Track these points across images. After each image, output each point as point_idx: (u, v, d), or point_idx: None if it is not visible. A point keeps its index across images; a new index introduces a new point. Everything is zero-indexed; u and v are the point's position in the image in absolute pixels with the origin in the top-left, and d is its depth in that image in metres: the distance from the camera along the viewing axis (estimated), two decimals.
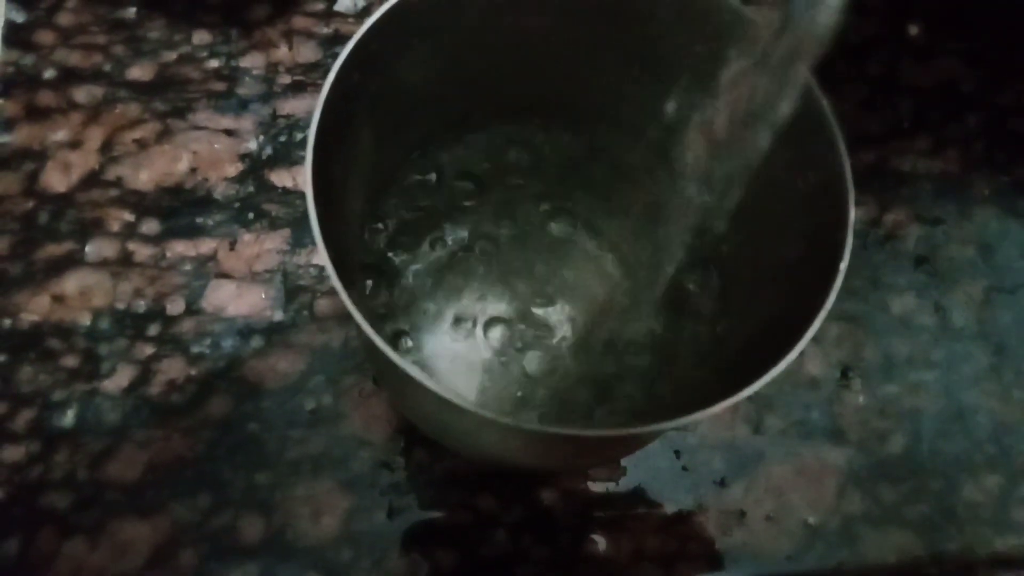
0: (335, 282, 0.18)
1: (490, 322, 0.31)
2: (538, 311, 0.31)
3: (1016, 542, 0.34)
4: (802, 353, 0.21)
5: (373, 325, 0.18)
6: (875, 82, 0.43)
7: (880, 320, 0.37)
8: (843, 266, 0.20)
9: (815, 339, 0.21)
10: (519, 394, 0.30)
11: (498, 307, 0.30)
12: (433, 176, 0.30)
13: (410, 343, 0.30)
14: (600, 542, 0.33)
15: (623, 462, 0.34)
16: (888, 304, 0.38)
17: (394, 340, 0.28)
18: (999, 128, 0.42)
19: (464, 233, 0.31)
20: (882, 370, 0.36)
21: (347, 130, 0.23)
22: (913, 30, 0.44)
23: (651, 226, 0.27)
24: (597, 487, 0.33)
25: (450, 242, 0.30)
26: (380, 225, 0.29)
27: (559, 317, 0.31)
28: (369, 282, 0.27)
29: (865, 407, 0.36)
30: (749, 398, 0.35)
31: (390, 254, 0.30)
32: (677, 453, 0.34)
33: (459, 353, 0.29)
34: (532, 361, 0.31)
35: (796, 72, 0.19)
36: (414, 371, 0.18)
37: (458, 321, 0.31)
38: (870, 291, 0.38)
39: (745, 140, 0.20)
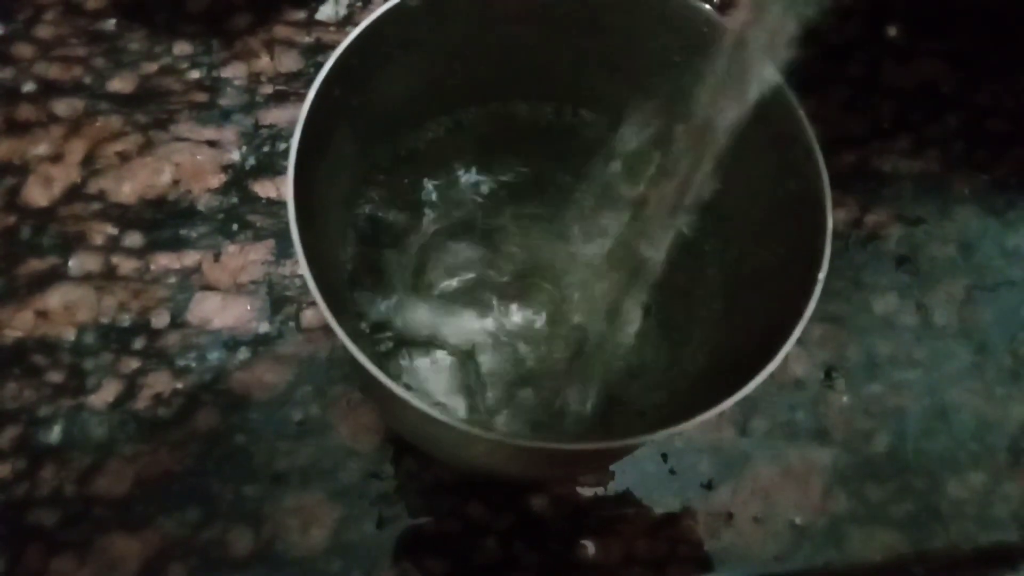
0: (319, 301, 0.19)
1: (480, 322, 0.30)
2: (527, 311, 0.31)
3: (1000, 538, 0.35)
4: (786, 355, 0.21)
5: (359, 338, 0.18)
6: (856, 83, 0.43)
7: (863, 320, 0.38)
8: (821, 275, 0.20)
9: (799, 340, 0.22)
10: (510, 398, 0.30)
11: (488, 307, 0.30)
12: (414, 177, 0.29)
13: (393, 347, 0.30)
14: (590, 547, 0.33)
15: (612, 467, 0.34)
16: (871, 304, 0.38)
17: (379, 349, 0.28)
18: (978, 128, 0.43)
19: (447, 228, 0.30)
20: (866, 370, 0.37)
21: (329, 143, 0.23)
22: (893, 32, 0.44)
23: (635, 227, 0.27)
24: (586, 492, 0.33)
25: (432, 241, 0.30)
26: (359, 228, 0.28)
27: (549, 316, 0.31)
28: (355, 294, 0.27)
29: (849, 407, 0.36)
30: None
31: (372, 259, 0.29)
32: (664, 457, 0.34)
33: (445, 359, 0.29)
34: (521, 364, 0.31)
35: (762, 69, 0.19)
36: (398, 389, 0.18)
37: (445, 325, 0.31)
38: (853, 291, 0.38)
39: (715, 131, 0.21)
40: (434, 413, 0.18)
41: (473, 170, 0.29)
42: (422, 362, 0.29)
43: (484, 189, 0.29)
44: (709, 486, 0.34)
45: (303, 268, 0.19)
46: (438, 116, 0.28)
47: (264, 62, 0.39)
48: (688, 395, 0.24)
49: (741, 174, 0.21)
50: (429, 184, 0.30)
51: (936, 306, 0.39)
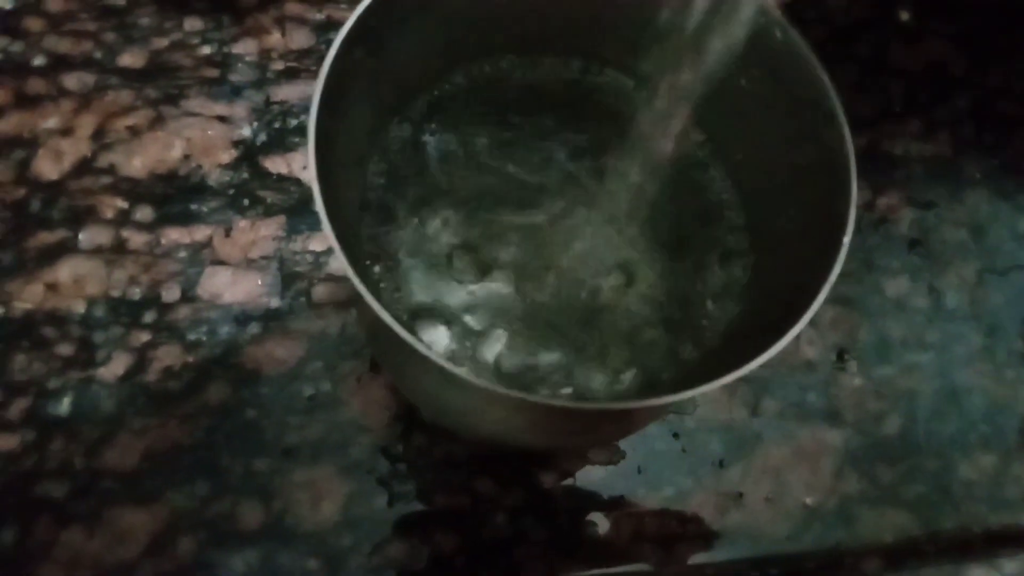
0: (339, 253, 0.18)
1: (495, 286, 0.30)
2: (544, 276, 0.31)
3: (1010, 519, 0.35)
4: (798, 336, 0.21)
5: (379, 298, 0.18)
6: (865, 65, 0.43)
7: (875, 303, 0.38)
8: (846, 239, 0.20)
9: (811, 321, 0.21)
10: (525, 363, 0.29)
11: (504, 271, 0.29)
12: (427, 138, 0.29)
13: (409, 315, 0.29)
14: (600, 524, 0.33)
15: (622, 445, 0.34)
16: (882, 287, 0.38)
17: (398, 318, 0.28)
18: (988, 110, 0.43)
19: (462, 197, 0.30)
20: (877, 352, 0.37)
21: (346, 107, 0.23)
22: (903, 14, 0.44)
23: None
24: (596, 470, 0.33)
25: (449, 212, 0.30)
26: (378, 194, 0.28)
27: (567, 279, 0.31)
28: (371, 264, 0.27)
29: (861, 389, 0.36)
30: (747, 380, 0.35)
31: (385, 225, 0.29)
32: (676, 435, 0.34)
33: (464, 323, 0.28)
34: (537, 332, 0.30)
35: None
36: (420, 346, 0.18)
37: (461, 287, 0.30)
38: (864, 274, 0.38)
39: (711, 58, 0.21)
40: (457, 371, 0.18)
41: (489, 130, 0.29)
42: (433, 335, 0.29)
43: (500, 150, 0.29)
44: (720, 465, 0.34)
45: (326, 229, 0.19)
46: (454, 73, 0.28)
47: (275, 38, 0.39)
48: (716, 359, 0.24)
49: (763, 140, 0.21)
50: (442, 143, 0.29)
51: (947, 289, 0.39)
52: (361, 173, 0.26)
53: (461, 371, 0.18)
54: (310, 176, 0.20)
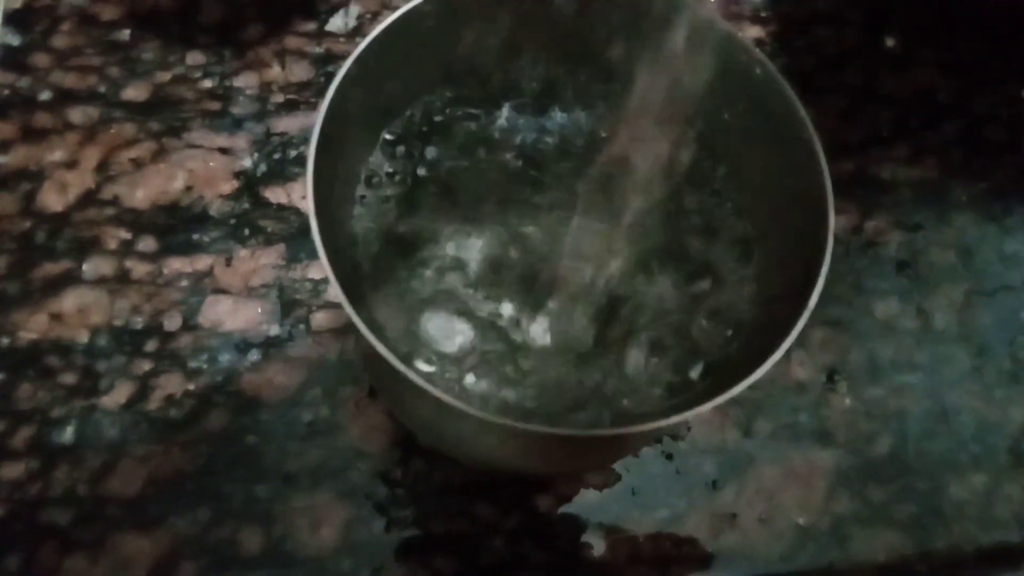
0: (334, 284, 0.19)
1: (491, 313, 0.30)
2: (543, 303, 0.31)
3: (1002, 538, 0.35)
4: (789, 357, 0.22)
5: (376, 330, 0.18)
6: (854, 92, 0.44)
7: (864, 324, 0.38)
8: (824, 269, 0.21)
9: (801, 343, 0.22)
10: (519, 392, 0.30)
11: (501, 297, 0.30)
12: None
13: (407, 346, 0.30)
14: (596, 547, 0.33)
15: (617, 468, 0.34)
16: (872, 308, 0.39)
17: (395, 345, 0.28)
18: (975, 136, 0.44)
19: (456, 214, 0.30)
20: (867, 373, 0.37)
21: (344, 142, 0.24)
22: (890, 41, 0.45)
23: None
24: (592, 493, 0.34)
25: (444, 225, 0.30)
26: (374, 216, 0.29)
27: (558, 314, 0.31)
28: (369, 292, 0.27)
29: (851, 409, 0.37)
30: (739, 402, 0.36)
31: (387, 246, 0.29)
32: (669, 457, 0.35)
33: (463, 347, 0.29)
34: (533, 357, 0.31)
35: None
36: (415, 376, 0.18)
37: (459, 313, 0.30)
38: (854, 296, 0.39)
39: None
40: (450, 400, 0.18)
41: (482, 155, 0.29)
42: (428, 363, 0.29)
43: (496, 169, 0.29)
44: (714, 486, 0.34)
45: (324, 262, 0.20)
46: (445, 102, 0.28)
47: (275, 72, 0.40)
48: (714, 381, 0.25)
49: (750, 172, 0.22)
50: (437, 167, 0.30)
51: (936, 310, 0.39)
52: (353, 201, 0.26)
53: (454, 400, 0.18)
54: (308, 210, 0.21)
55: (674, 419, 0.20)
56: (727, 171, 0.26)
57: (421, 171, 0.29)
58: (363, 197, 0.27)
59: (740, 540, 0.34)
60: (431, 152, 0.29)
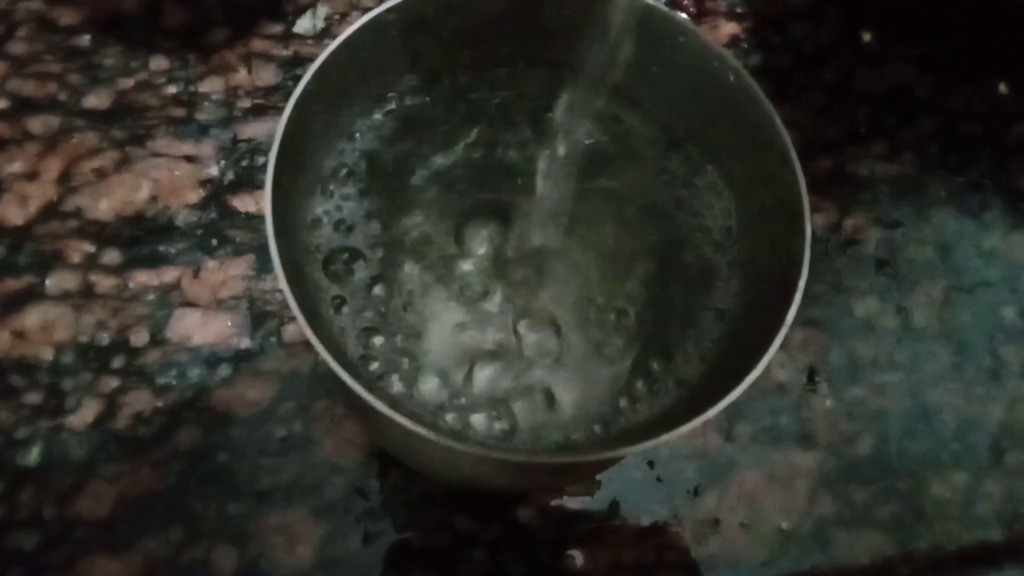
0: (299, 317, 0.18)
1: (463, 326, 0.30)
2: (521, 316, 0.31)
3: (984, 537, 0.35)
4: (769, 360, 0.21)
5: (344, 350, 0.17)
6: (831, 89, 0.44)
7: (844, 324, 0.38)
8: (801, 282, 0.20)
9: (781, 345, 0.22)
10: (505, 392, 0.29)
11: (475, 307, 0.29)
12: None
13: (383, 344, 0.29)
14: (578, 557, 0.33)
15: (598, 476, 0.34)
16: (851, 307, 0.39)
17: (367, 351, 0.27)
18: (952, 131, 0.43)
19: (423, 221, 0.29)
20: (848, 373, 0.37)
21: (305, 154, 0.23)
22: (866, 37, 0.45)
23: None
24: (573, 502, 0.33)
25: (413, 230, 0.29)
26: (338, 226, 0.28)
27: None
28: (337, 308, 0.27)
29: (832, 410, 0.36)
30: None
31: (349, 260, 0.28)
32: (651, 464, 0.34)
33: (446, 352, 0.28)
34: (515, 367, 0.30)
35: None
36: (380, 405, 0.18)
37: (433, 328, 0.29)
38: (833, 295, 0.39)
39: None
40: (416, 428, 0.18)
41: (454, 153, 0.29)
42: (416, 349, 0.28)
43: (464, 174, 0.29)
44: (696, 493, 0.34)
45: (283, 286, 0.19)
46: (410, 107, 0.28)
47: (242, 76, 0.39)
48: (694, 398, 0.24)
49: (731, 180, 0.21)
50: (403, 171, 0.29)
51: (915, 308, 0.39)
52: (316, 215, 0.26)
53: (419, 427, 0.18)
54: (267, 233, 0.20)
55: (662, 438, 0.20)
56: (708, 174, 0.26)
57: (384, 181, 0.28)
58: (326, 211, 0.27)
59: (723, 546, 0.33)
60: (393, 161, 0.28)
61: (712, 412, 0.20)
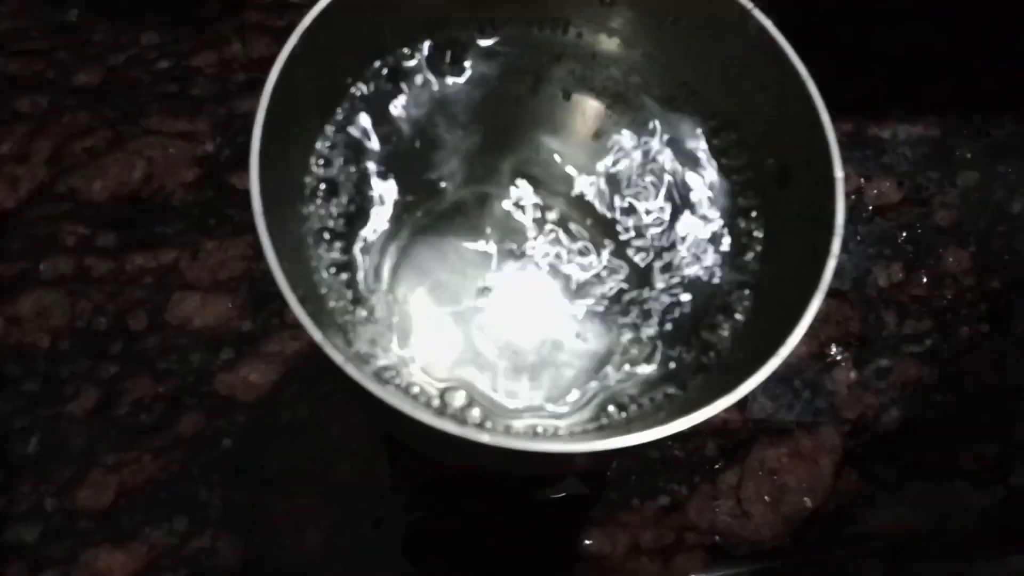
0: (296, 309, 0.17)
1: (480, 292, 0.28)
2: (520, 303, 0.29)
3: (1018, 512, 0.34)
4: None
5: (341, 336, 0.16)
6: (848, 50, 0.42)
7: (867, 292, 0.37)
8: (832, 261, 0.19)
9: None
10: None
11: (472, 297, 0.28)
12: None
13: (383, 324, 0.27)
14: (594, 539, 0.32)
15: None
16: (875, 275, 0.37)
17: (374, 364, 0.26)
18: (974, 90, 0.42)
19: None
20: (871, 344, 0.36)
21: (295, 122, 0.22)
22: None
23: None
24: (588, 483, 0.32)
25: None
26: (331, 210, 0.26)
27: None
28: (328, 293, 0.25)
29: (856, 383, 0.35)
30: None
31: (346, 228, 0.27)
32: (669, 440, 0.33)
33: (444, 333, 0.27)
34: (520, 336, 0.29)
35: None
36: (384, 393, 0.17)
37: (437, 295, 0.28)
38: (856, 263, 0.37)
39: None
40: (421, 416, 0.17)
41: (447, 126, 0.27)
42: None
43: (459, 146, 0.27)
44: (716, 470, 0.33)
45: (277, 278, 0.18)
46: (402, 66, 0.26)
47: (236, 48, 0.38)
48: (724, 367, 0.23)
49: (748, 152, 0.20)
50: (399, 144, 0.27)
51: (941, 274, 0.37)
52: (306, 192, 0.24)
53: (425, 415, 0.16)
54: (254, 212, 0.19)
55: (682, 425, 0.19)
56: (729, 136, 0.24)
57: (382, 146, 0.27)
58: (320, 180, 0.25)
59: (745, 525, 0.32)
60: (392, 125, 0.27)
61: (741, 392, 0.18)
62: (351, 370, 0.17)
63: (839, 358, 0.35)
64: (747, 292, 0.23)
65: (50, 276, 0.33)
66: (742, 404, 0.34)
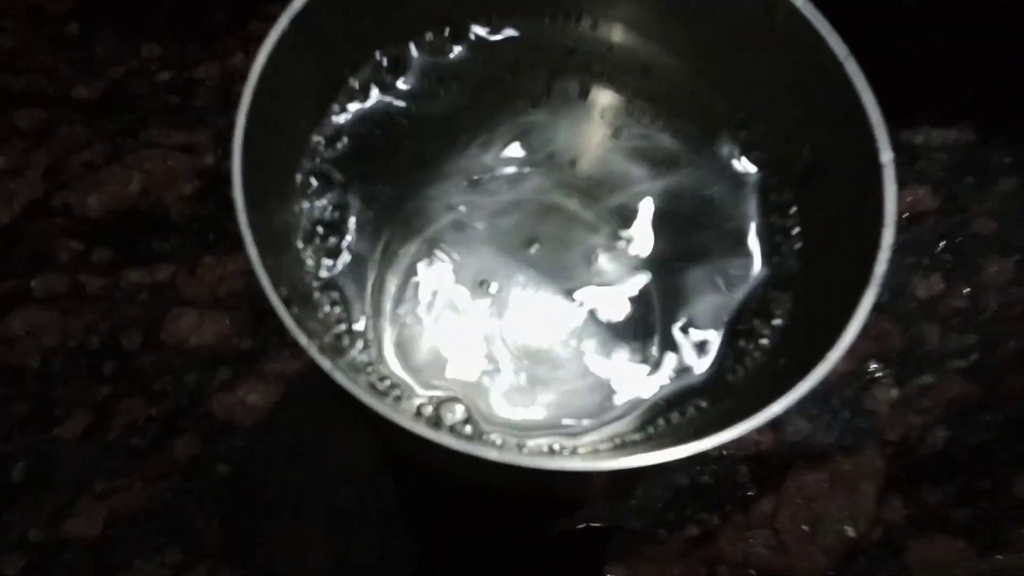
0: (291, 328, 0.16)
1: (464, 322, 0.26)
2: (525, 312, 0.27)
3: None
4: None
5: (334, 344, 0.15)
6: (874, 54, 0.40)
7: (906, 305, 0.34)
8: (885, 255, 0.17)
9: None
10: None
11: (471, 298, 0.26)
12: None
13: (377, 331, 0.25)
14: (615, 571, 0.29)
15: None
16: (914, 287, 0.35)
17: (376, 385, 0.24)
18: (1010, 95, 0.39)
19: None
20: (913, 359, 0.33)
21: (284, 115, 0.20)
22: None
23: None
24: (609, 511, 0.30)
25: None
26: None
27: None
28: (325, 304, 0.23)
29: (898, 401, 0.33)
30: None
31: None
32: (698, 466, 0.31)
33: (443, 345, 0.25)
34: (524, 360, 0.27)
35: None
36: (385, 409, 0.15)
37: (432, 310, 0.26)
38: (893, 274, 0.35)
39: None
40: (420, 430, 0.15)
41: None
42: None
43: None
44: (749, 497, 0.30)
45: (274, 304, 0.16)
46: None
47: (239, 59, 0.37)
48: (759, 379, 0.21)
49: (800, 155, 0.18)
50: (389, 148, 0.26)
51: (984, 286, 0.35)
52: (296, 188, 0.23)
53: (423, 430, 0.15)
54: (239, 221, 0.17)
55: (714, 441, 0.17)
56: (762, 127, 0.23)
57: (378, 141, 0.25)
58: (312, 176, 0.23)
59: (782, 557, 0.30)
60: (388, 119, 0.25)
61: (777, 408, 0.16)
62: (340, 378, 0.15)
63: (879, 375, 0.33)
64: (786, 295, 0.21)
65: (42, 293, 0.32)
66: (776, 425, 0.32)
